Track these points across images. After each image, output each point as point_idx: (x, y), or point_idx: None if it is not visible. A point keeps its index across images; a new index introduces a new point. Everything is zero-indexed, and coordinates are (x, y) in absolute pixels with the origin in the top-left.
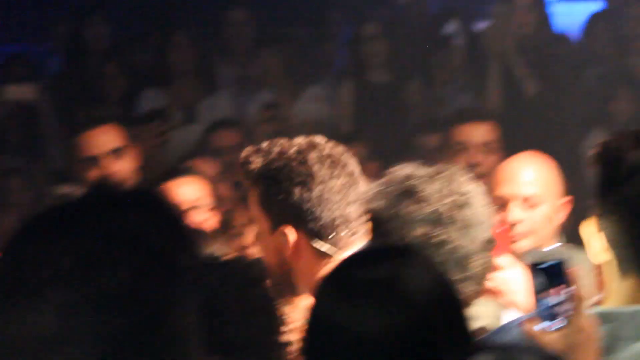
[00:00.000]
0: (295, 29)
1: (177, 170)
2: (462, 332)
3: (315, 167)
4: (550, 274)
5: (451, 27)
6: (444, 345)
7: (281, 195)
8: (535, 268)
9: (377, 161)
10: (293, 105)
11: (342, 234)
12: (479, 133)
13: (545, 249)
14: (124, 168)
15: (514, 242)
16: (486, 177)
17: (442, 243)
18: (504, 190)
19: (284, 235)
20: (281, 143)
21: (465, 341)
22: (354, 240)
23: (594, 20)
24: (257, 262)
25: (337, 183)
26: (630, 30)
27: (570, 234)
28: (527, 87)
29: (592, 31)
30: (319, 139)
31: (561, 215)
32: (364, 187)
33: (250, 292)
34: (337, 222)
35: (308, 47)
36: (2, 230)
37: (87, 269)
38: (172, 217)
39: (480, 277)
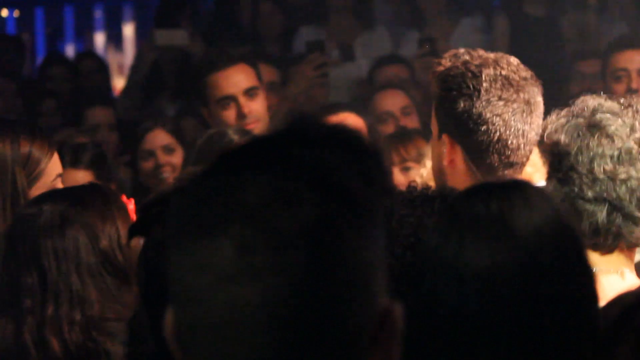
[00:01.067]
0: None
1: (337, 106)
2: (579, 277)
3: (485, 84)
4: None
5: None
6: (556, 287)
7: (447, 103)
8: None
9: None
10: (450, 39)
11: (502, 159)
12: (638, 59)
13: None
14: (258, 108)
15: None
16: None
17: (628, 179)
18: None
19: (444, 143)
20: (474, 54)
21: (582, 286)
22: (514, 172)
23: None
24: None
25: (506, 105)
26: None
27: None
28: None
29: None
30: (510, 59)
31: None
32: (540, 119)
33: None
34: (496, 146)
35: None
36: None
37: (271, 206)
38: (370, 159)
39: None
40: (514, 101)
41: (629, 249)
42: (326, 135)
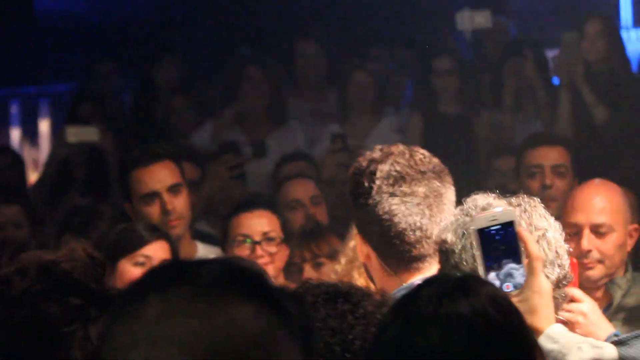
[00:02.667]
0: (366, 61)
1: (253, 204)
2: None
3: (377, 182)
4: (500, 237)
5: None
6: None
7: (353, 201)
8: (484, 232)
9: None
10: (366, 137)
11: (404, 254)
12: (552, 156)
13: (493, 210)
14: (182, 204)
15: (586, 268)
16: (558, 200)
17: None
18: (576, 218)
19: (359, 244)
20: (384, 149)
21: None
22: (421, 265)
23: None
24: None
25: (401, 201)
26: None
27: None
28: (596, 115)
29: None
30: (416, 152)
31: (630, 242)
32: (447, 211)
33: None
34: (395, 241)
35: (379, 79)
36: None
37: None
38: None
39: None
40: (409, 195)
41: None
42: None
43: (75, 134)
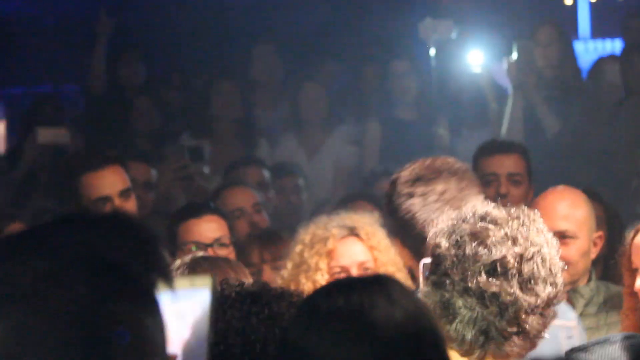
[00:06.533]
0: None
1: (201, 208)
2: None
3: (398, 188)
4: None
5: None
6: None
7: (384, 213)
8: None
9: None
10: (318, 149)
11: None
12: (507, 164)
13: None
14: (132, 209)
15: None
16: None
17: (500, 294)
18: None
19: (399, 250)
20: (426, 161)
21: None
22: None
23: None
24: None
25: (418, 200)
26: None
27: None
28: (547, 125)
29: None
30: (438, 160)
31: (595, 250)
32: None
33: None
34: (420, 239)
35: (338, 85)
36: None
37: (45, 287)
38: (139, 237)
39: (535, 334)
40: (427, 193)
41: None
42: (99, 220)
43: (46, 135)
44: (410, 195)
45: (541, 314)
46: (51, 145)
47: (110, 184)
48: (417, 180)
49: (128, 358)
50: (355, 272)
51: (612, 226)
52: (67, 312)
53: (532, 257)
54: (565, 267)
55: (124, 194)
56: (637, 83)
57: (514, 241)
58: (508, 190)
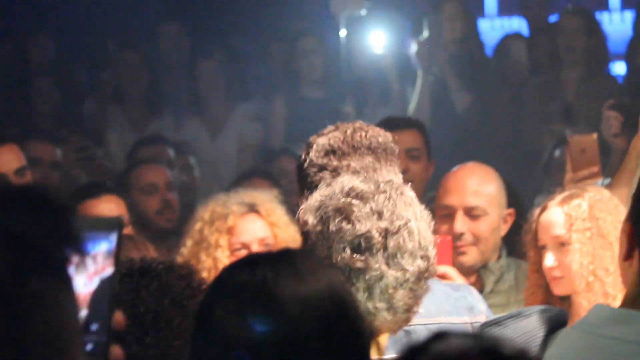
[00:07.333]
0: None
1: (98, 188)
2: (347, 348)
3: (312, 153)
4: None
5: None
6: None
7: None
8: None
9: None
10: (221, 128)
11: None
12: (405, 140)
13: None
14: None
15: (459, 253)
16: (413, 184)
17: (366, 270)
18: (449, 200)
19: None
20: (341, 126)
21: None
22: None
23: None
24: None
25: (330, 174)
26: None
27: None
28: (458, 100)
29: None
30: (358, 128)
31: (505, 227)
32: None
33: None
34: None
35: (241, 62)
36: None
37: None
38: (54, 212)
39: (407, 309)
40: (337, 169)
41: None
42: (12, 195)
43: None
44: (322, 168)
45: (411, 289)
46: None
47: (4, 162)
48: (331, 152)
49: (44, 334)
50: (255, 248)
51: (511, 205)
52: None
53: (398, 231)
54: (439, 241)
55: (19, 172)
56: (543, 63)
57: (380, 215)
58: (407, 166)
